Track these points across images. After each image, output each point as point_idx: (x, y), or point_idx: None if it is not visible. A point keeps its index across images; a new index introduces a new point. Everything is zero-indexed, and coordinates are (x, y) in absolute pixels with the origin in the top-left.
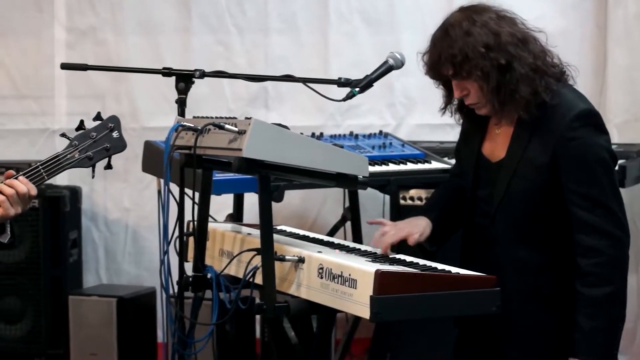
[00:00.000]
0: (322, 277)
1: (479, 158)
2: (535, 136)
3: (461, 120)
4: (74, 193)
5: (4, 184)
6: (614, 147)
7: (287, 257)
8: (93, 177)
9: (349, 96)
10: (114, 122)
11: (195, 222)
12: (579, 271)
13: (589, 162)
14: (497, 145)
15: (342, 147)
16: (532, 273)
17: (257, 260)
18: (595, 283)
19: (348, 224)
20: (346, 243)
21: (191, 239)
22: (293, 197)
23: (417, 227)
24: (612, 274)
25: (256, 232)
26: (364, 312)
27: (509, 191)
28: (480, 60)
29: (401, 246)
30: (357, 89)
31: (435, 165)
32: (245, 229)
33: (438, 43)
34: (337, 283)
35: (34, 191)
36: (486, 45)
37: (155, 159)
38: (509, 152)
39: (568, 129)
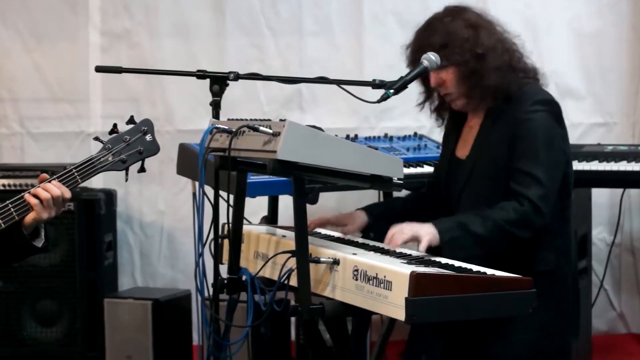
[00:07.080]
0: (357, 279)
1: (451, 158)
2: (498, 127)
3: (440, 123)
4: (109, 196)
5: (39, 187)
6: None
7: (322, 259)
8: (127, 180)
9: (383, 98)
10: (147, 126)
11: (230, 225)
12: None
13: (536, 140)
14: (466, 143)
15: (376, 149)
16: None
17: (292, 263)
18: (504, 212)
19: None
20: (381, 245)
21: (226, 242)
22: (328, 199)
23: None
24: (519, 222)
25: (291, 234)
26: (399, 314)
27: (469, 183)
28: (459, 47)
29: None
30: (392, 91)
31: None
32: (280, 231)
33: (420, 34)
34: (372, 285)
35: (67, 194)
36: (465, 36)
37: (190, 162)
38: (473, 146)
39: (525, 112)
